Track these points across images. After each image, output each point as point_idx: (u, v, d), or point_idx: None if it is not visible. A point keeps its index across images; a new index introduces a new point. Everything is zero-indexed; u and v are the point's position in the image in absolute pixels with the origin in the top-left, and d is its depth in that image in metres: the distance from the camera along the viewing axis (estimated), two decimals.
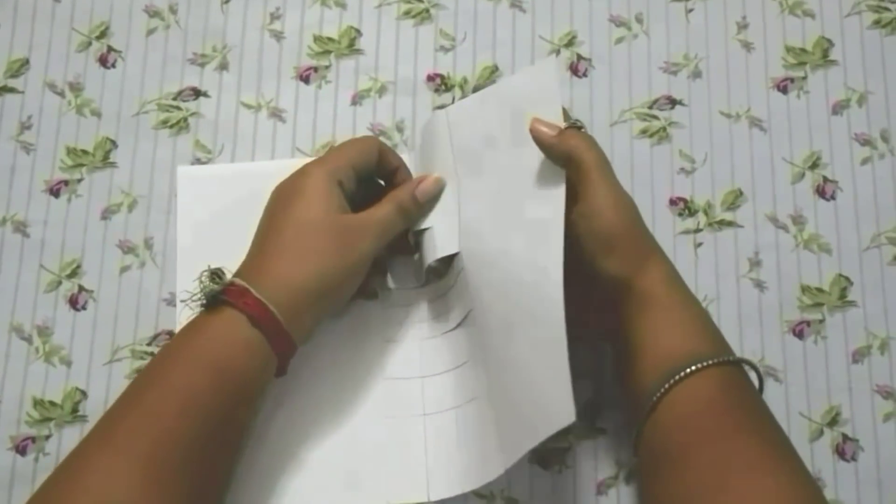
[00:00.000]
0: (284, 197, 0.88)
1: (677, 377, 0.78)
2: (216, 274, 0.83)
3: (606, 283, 0.83)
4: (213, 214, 0.98)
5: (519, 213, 0.88)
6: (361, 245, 0.86)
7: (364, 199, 0.90)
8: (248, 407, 0.84)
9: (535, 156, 0.87)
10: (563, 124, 0.87)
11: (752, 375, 0.83)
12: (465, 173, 0.92)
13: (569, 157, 0.85)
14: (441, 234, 0.92)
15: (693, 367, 0.78)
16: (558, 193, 0.85)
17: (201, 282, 0.82)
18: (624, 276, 0.82)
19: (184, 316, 0.84)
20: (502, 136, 0.91)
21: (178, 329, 0.92)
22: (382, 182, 0.94)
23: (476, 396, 0.89)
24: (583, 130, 0.88)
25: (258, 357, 0.82)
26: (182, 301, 0.84)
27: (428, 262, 0.92)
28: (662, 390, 0.79)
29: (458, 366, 0.92)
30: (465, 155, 0.93)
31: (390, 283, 0.96)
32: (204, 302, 0.82)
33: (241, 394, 0.82)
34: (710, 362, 0.79)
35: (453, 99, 1.01)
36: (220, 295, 0.82)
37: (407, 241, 0.94)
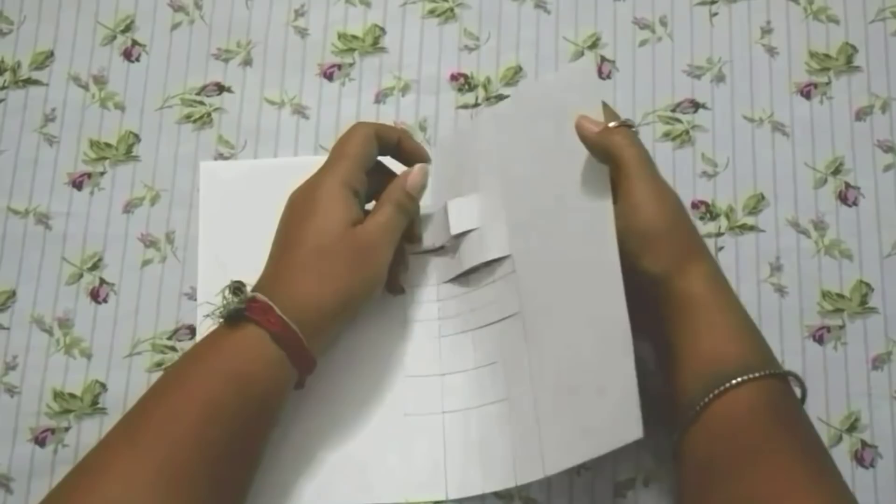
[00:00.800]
0: (300, 208, 0.87)
1: (724, 387, 0.77)
2: (238, 288, 0.83)
3: (647, 281, 0.82)
4: (234, 210, 0.98)
5: (568, 214, 0.87)
6: (377, 259, 0.87)
7: (371, 187, 0.91)
8: (268, 420, 0.84)
9: (582, 155, 0.87)
10: (608, 122, 0.87)
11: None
12: (511, 177, 0.92)
13: (609, 153, 0.84)
14: (490, 236, 0.92)
15: (740, 379, 0.77)
16: (605, 191, 0.84)
17: (224, 297, 0.82)
18: (665, 274, 0.82)
19: (205, 324, 0.85)
20: (547, 138, 0.91)
21: (199, 331, 0.94)
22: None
23: (506, 398, 0.89)
24: (632, 129, 0.87)
25: (279, 373, 0.83)
26: (205, 315, 0.84)
27: (475, 262, 0.92)
28: (708, 399, 0.78)
29: (483, 365, 0.91)
30: (510, 158, 0.93)
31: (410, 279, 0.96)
32: (226, 316, 0.82)
33: (261, 407, 0.82)
34: (758, 375, 0.77)
35: (476, 99, 1.01)
36: (243, 311, 0.82)
37: (412, 231, 0.94)
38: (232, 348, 0.82)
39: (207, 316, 0.83)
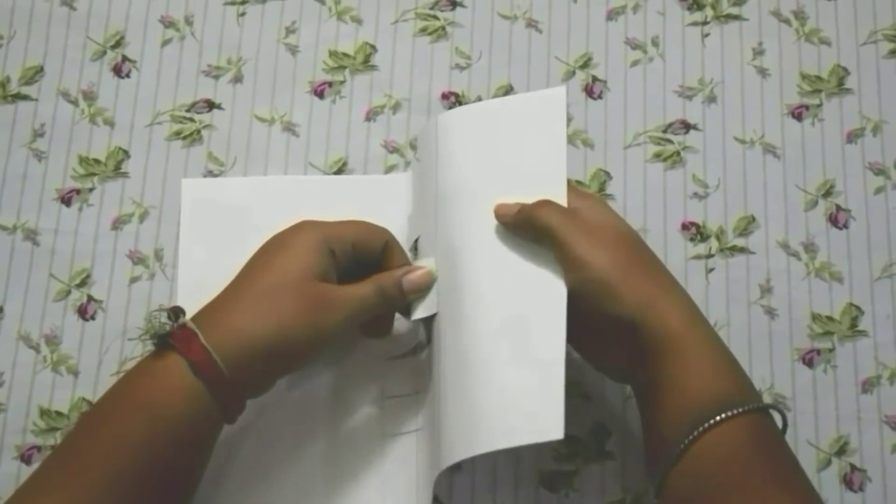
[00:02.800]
0: (271, 249, 0.85)
1: (706, 425, 0.75)
2: (174, 312, 0.80)
3: (617, 325, 0.80)
4: (216, 228, 0.98)
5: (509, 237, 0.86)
6: (332, 317, 0.82)
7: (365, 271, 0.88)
8: (189, 454, 0.80)
9: (531, 176, 0.87)
10: (563, 158, 0.86)
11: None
12: (450, 193, 0.90)
13: (534, 231, 0.83)
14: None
15: (722, 416, 0.75)
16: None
17: (150, 320, 0.79)
18: (635, 317, 0.79)
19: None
20: (496, 155, 0.90)
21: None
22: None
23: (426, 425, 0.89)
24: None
25: (198, 405, 0.78)
26: (129, 339, 0.83)
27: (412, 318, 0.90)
28: (689, 439, 0.76)
29: (417, 391, 0.92)
30: (453, 171, 0.91)
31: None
32: (149, 339, 0.80)
33: (179, 441, 0.78)
34: (740, 410, 0.75)
35: None
36: (166, 337, 0.79)
37: (384, 325, 0.92)
38: (149, 377, 0.79)
39: (134, 339, 0.81)
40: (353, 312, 0.83)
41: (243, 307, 0.81)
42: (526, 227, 0.84)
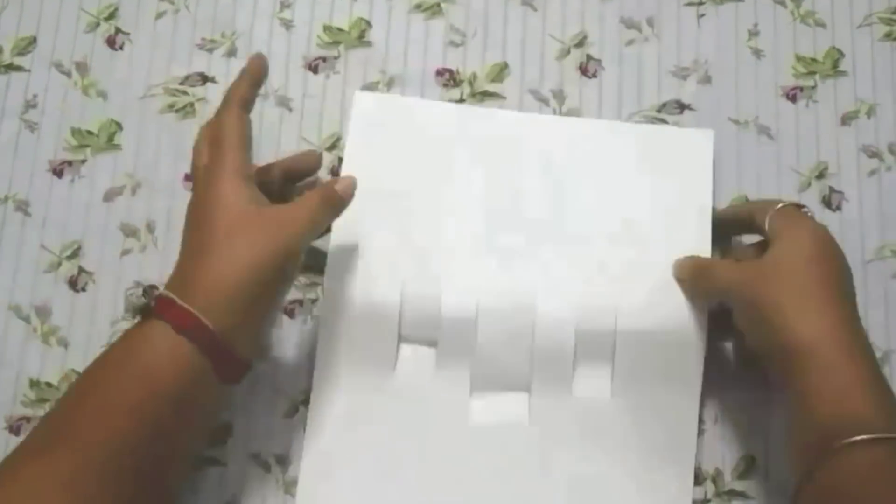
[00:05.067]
0: (197, 211, 0.83)
1: (842, 443, 0.74)
2: (148, 290, 0.81)
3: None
4: (381, 143, 0.98)
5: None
6: (291, 234, 0.81)
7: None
8: (185, 416, 0.79)
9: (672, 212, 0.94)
10: (709, 199, 0.93)
11: None
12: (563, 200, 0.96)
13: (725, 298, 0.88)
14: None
15: (861, 437, 0.73)
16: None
17: (128, 298, 0.81)
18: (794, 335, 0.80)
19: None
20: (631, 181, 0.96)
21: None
22: None
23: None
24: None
25: (188, 365, 0.77)
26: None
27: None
28: (825, 458, 0.74)
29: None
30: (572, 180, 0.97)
31: None
32: (133, 313, 0.80)
33: (172, 402, 0.77)
34: (881, 435, 0.74)
35: (461, 94, 1.00)
36: (146, 308, 0.78)
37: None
38: (135, 342, 0.78)
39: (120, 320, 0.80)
40: (309, 221, 0.83)
41: (204, 259, 0.80)
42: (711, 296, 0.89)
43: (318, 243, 0.93)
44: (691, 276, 0.90)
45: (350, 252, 0.93)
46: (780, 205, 0.87)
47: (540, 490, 0.89)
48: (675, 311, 0.91)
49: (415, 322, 0.91)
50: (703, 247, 0.93)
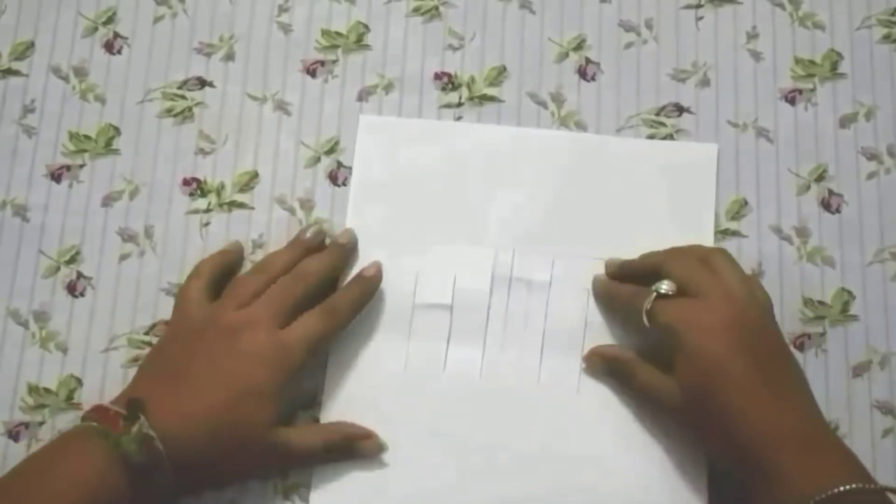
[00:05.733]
0: (223, 346, 0.86)
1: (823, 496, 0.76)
2: (136, 410, 0.81)
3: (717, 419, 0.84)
4: (387, 167, 0.99)
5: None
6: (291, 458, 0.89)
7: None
8: None
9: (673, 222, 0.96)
10: (711, 212, 0.95)
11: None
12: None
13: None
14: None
15: (838, 489, 0.76)
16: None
17: (121, 442, 0.79)
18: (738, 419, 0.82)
19: None
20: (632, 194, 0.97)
21: None
22: None
23: None
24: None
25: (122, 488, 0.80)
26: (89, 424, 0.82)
27: None
28: None
29: None
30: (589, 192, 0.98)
31: None
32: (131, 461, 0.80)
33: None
34: (857, 486, 0.76)
35: (460, 98, 1.00)
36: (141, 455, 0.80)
37: None
38: (98, 477, 0.80)
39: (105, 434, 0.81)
40: (295, 457, 0.89)
41: (202, 437, 0.83)
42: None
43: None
44: (608, 372, 0.92)
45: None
46: (661, 287, 0.88)
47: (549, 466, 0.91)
48: None
49: (426, 323, 0.94)
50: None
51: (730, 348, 0.83)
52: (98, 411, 0.82)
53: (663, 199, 0.97)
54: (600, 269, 0.94)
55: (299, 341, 0.86)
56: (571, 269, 0.94)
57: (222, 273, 0.93)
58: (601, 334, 0.93)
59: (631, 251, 0.94)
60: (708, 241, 0.95)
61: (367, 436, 0.89)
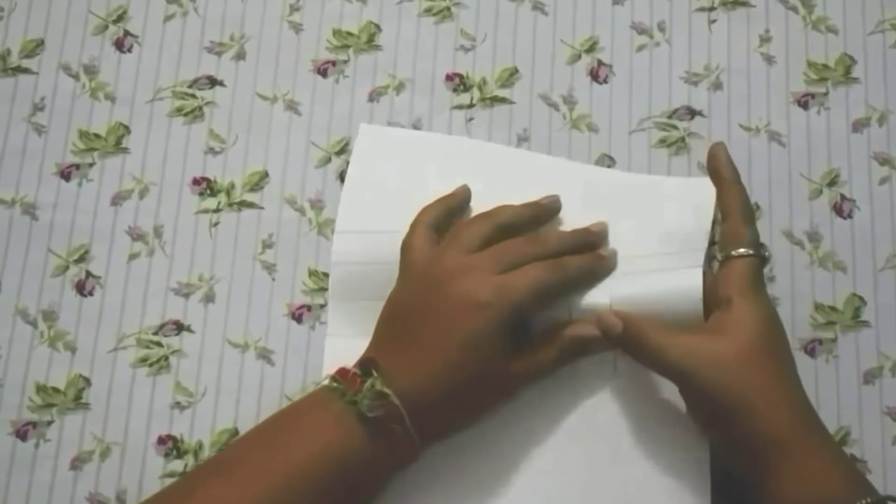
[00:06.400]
0: (457, 306, 0.84)
1: None
2: (369, 376, 0.81)
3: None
4: (384, 178, 0.98)
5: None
6: (513, 390, 0.88)
7: None
8: (352, 497, 0.83)
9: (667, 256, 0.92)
10: (703, 245, 0.91)
11: None
12: None
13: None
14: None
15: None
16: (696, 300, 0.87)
17: (361, 396, 0.80)
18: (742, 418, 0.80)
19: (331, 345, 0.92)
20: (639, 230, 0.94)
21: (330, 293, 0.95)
22: None
23: None
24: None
25: (373, 453, 0.81)
26: (331, 385, 0.83)
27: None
28: None
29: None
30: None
31: None
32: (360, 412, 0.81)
33: (353, 491, 0.82)
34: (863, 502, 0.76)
35: (471, 99, 1.00)
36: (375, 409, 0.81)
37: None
38: (322, 414, 0.82)
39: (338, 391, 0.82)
40: (532, 378, 0.88)
41: (446, 398, 0.83)
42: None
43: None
44: (624, 346, 0.87)
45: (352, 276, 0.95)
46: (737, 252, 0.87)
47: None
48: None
49: None
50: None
51: (778, 330, 0.84)
52: (340, 373, 0.83)
53: (653, 237, 0.93)
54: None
55: (522, 283, 0.84)
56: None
57: (447, 217, 0.91)
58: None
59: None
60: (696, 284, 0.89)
61: (597, 333, 0.87)
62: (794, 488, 0.78)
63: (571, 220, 0.94)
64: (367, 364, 0.82)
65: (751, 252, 0.85)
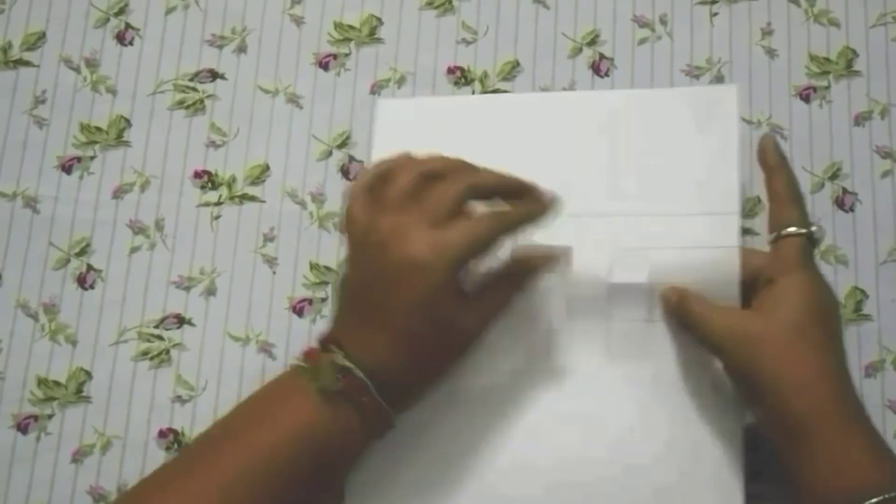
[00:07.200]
0: (400, 267, 0.81)
1: None
2: (329, 346, 0.80)
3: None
4: (408, 147, 0.94)
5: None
6: (470, 331, 0.84)
7: None
8: (328, 475, 0.82)
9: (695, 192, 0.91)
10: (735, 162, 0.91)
11: None
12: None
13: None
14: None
15: (877, 499, 0.74)
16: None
17: (319, 372, 0.79)
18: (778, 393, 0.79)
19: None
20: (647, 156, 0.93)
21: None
22: None
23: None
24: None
25: (347, 431, 0.80)
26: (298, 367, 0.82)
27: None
28: None
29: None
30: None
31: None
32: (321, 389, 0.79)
33: (321, 461, 0.80)
34: (891, 495, 0.74)
35: (473, 92, 1.00)
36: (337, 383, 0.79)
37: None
38: (293, 395, 0.80)
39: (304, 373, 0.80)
40: (487, 325, 0.84)
41: (405, 358, 0.81)
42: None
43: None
44: (676, 317, 0.87)
45: None
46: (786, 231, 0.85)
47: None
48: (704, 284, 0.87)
49: None
50: (729, 216, 0.90)
51: (824, 299, 0.83)
52: (307, 353, 0.82)
53: (683, 151, 0.92)
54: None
55: (459, 239, 0.80)
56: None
57: (382, 179, 0.85)
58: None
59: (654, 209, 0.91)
60: (734, 191, 0.91)
61: (547, 257, 0.86)
62: (824, 472, 0.77)
63: (598, 149, 0.94)
64: (327, 341, 0.81)
65: (800, 231, 0.85)
